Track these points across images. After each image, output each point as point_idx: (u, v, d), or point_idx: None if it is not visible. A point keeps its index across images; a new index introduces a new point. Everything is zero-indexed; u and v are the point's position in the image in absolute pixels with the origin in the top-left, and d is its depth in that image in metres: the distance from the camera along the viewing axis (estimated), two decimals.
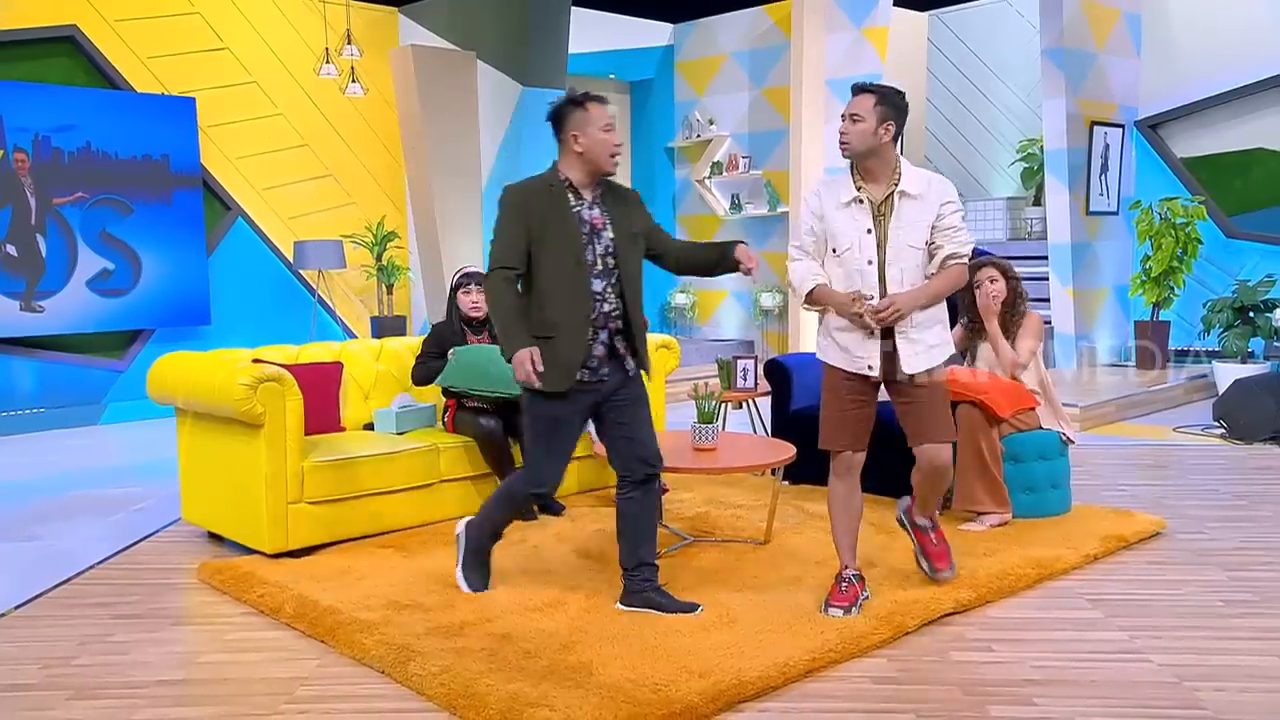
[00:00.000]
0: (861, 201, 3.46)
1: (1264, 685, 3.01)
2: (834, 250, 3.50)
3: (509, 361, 3.40)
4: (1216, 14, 8.91)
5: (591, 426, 3.73)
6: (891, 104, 3.43)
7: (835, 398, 3.56)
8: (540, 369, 3.36)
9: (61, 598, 3.95)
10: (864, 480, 3.59)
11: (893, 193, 3.45)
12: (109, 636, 3.52)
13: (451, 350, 4.83)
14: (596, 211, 3.50)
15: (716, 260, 3.67)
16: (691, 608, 3.53)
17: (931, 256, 3.48)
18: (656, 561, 3.64)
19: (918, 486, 3.71)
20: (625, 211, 3.56)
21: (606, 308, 3.49)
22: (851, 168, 3.51)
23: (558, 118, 3.48)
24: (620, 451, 3.59)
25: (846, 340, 3.49)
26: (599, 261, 3.47)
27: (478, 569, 3.80)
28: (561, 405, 3.49)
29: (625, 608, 3.55)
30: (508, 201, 3.48)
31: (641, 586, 3.58)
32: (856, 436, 3.54)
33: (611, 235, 3.49)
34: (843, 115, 3.46)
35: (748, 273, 3.59)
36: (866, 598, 3.60)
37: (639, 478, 3.58)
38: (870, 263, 3.44)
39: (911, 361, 3.46)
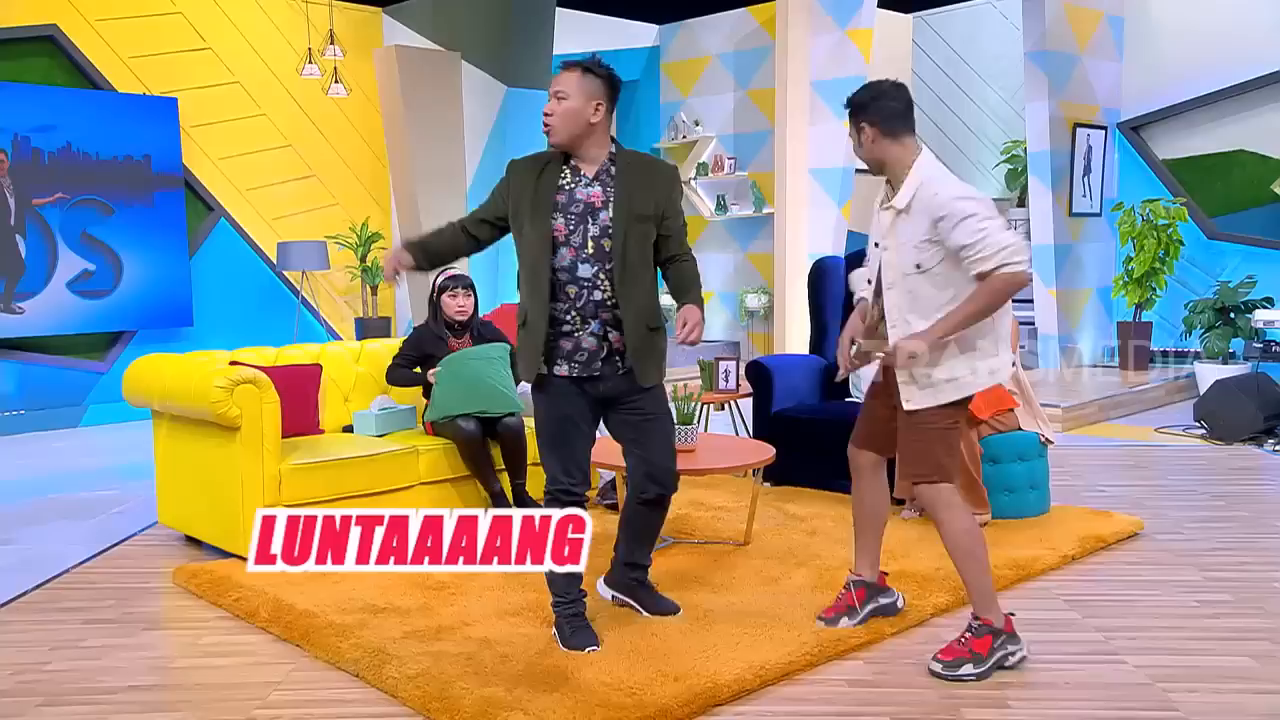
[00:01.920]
0: (887, 207, 3.09)
1: (1236, 686, 3.02)
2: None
3: None
4: (1199, 16, 8.95)
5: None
6: (861, 109, 3.08)
7: (869, 393, 3.37)
8: (395, 269, 3.24)
9: (36, 602, 3.92)
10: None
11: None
12: (82, 641, 3.49)
13: (431, 373, 4.81)
14: (596, 189, 3.11)
15: (677, 305, 3.23)
16: (673, 609, 3.53)
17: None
18: (648, 564, 3.63)
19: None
20: (637, 191, 3.12)
21: (597, 296, 3.11)
22: None
23: None
24: (631, 467, 3.33)
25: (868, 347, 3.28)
26: (589, 244, 3.09)
27: (570, 620, 3.29)
28: (554, 401, 3.19)
29: (609, 589, 3.54)
30: (504, 175, 3.25)
31: (629, 580, 3.57)
32: (865, 434, 3.36)
33: (610, 215, 3.10)
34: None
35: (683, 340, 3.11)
36: (874, 608, 3.42)
37: (650, 497, 3.35)
38: (869, 281, 3.10)
39: (914, 397, 3.07)
